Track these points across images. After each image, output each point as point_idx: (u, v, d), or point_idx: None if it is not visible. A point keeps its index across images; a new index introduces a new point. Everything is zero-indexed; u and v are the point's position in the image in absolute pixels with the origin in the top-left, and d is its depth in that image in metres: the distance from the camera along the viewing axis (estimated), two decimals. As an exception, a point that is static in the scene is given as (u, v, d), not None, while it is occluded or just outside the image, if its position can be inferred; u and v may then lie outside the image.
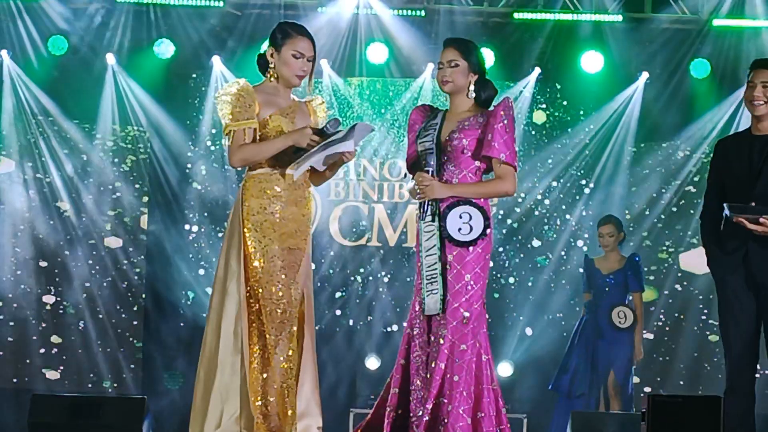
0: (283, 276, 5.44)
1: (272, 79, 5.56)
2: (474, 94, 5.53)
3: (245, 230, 5.45)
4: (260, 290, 5.42)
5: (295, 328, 5.46)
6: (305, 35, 5.51)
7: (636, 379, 9.74)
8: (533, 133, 10.90)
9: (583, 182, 10.88)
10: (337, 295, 10.85)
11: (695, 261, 10.75)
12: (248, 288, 5.43)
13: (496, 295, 10.67)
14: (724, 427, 5.73)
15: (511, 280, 10.83)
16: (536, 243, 10.86)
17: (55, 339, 10.76)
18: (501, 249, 10.75)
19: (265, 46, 5.64)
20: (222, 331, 5.41)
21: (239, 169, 5.57)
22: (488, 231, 5.41)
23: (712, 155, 5.84)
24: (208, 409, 5.39)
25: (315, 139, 5.37)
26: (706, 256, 5.76)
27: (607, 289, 9.13)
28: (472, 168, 5.46)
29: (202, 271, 10.77)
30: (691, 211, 10.71)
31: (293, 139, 5.40)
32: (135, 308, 10.84)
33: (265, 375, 5.41)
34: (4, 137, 10.77)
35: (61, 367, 10.74)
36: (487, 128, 5.40)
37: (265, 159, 5.45)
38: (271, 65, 5.54)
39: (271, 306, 5.41)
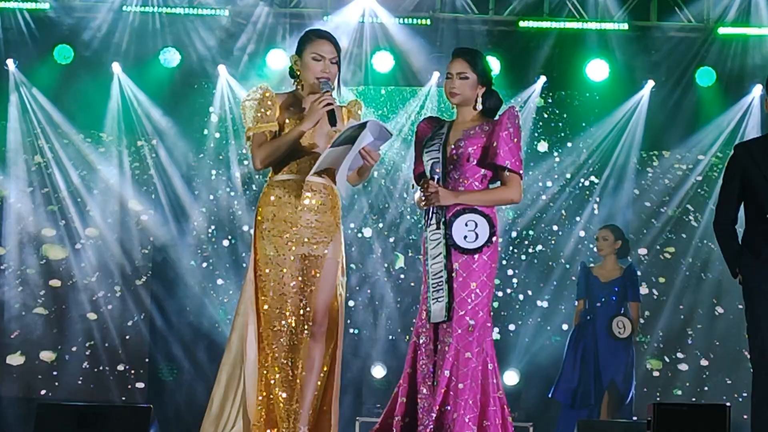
0: (291, 285, 5.38)
1: (299, 86, 5.51)
2: (481, 106, 5.54)
3: (256, 237, 5.43)
4: (262, 298, 5.38)
5: (301, 339, 5.40)
6: (326, 38, 5.46)
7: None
8: (538, 141, 10.90)
9: (589, 191, 10.87)
10: (343, 303, 10.85)
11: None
12: (257, 295, 5.40)
13: (503, 303, 10.65)
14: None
15: (518, 288, 10.83)
16: (542, 251, 10.85)
17: (61, 348, 10.76)
18: (507, 257, 10.74)
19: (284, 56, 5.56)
20: (247, 337, 5.39)
21: (262, 169, 5.45)
22: (494, 239, 5.41)
23: (729, 161, 5.70)
24: (227, 414, 5.36)
25: (325, 99, 5.27)
26: (733, 264, 5.63)
27: (604, 298, 9.12)
28: (478, 176, 5.46)
29: (207, 280, 10.77)
30: (697, 218, 10.72)
31: (308, 120, 5.30)
32: (141, 317, 10.84)
33: (263, 382, 5.38)
34: (10, 145, 10.78)
35: (67, 377, 10.74)
36: (493, 136, 5.40)
37: (284, 152, 5.34)
38: (297, 72, 5.50)
39: (267, 318, 5.37)
